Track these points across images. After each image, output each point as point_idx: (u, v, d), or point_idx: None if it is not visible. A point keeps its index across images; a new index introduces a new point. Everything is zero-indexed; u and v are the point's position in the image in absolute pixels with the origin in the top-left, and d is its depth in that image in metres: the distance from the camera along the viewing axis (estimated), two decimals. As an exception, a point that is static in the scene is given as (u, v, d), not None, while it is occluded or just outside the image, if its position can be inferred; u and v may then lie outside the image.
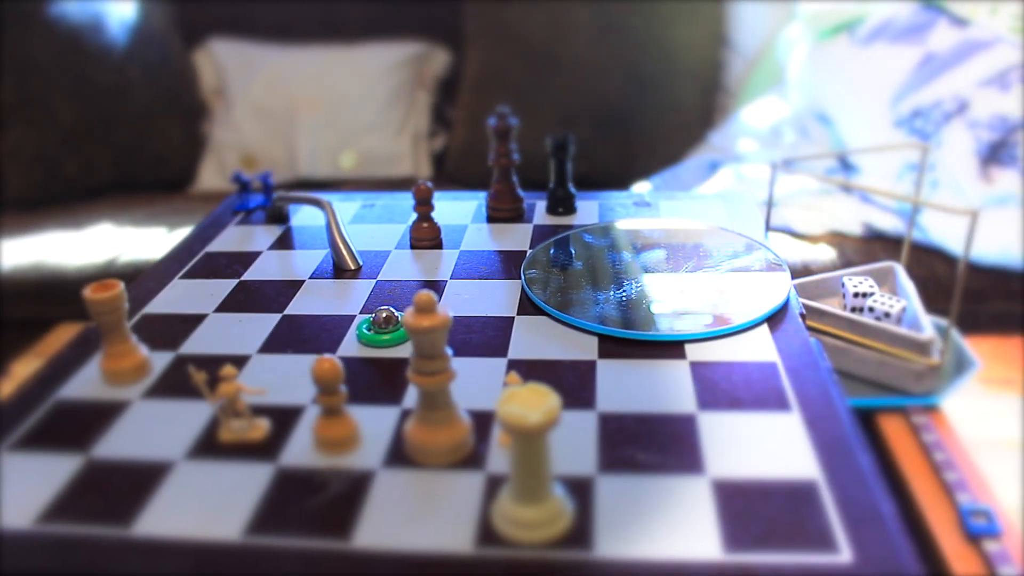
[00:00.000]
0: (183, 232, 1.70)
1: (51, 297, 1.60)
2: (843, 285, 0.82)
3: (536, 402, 0.40)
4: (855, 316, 0.78)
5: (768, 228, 0.78)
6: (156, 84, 2.07)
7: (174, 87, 2.11)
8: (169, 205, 1.97)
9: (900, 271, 0.86)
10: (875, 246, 1.52)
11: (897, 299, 0.78)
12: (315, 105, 2.10)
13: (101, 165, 2.02)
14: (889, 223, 1.55)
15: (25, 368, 1.21)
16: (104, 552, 0.44)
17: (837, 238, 1.58)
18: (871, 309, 0.78)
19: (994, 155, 1.46)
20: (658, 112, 2.00)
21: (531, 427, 0.39)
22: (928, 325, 0.77)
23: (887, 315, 0.77)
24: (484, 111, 2.00)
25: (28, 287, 1.62)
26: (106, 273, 1.60)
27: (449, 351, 0.47)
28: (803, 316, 0.63)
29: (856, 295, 0.81)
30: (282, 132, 2.10)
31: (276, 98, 2.10)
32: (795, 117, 1.80)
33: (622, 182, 1.95)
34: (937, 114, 1.52)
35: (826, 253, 1.52)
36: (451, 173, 2.05)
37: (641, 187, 1.75)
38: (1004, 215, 1.45)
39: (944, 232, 1.48)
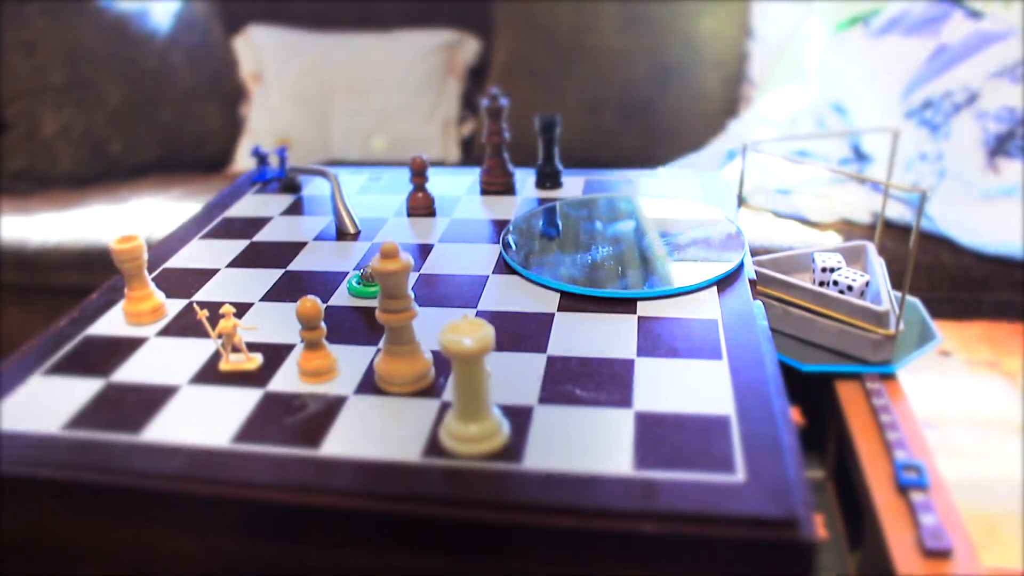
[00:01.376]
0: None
1: (94, 267, 1.71)
2: (813, 260, 0.88)
3: (472, 331, 0.47)
4: (819, 288, 0.83)
5: (740, 203, 0.84)
6: (198, 68, 2.17)
7: (215, 71, 2.20)
8: (206, 185, 2.06)
9: (871, 249, 0.91)
10: (883, 233, 1.56)
11: (861, 274, 0.84)
12: (349, 90, 2.19)
13: (145, 145, 2.13)
14: (898, 212, 1.59)
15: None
16: (116, 452, 0.52)
17: (846, 226, 1.62)
18: (835, 283, 0.84)
19: (1001, 146, 1.50)
20: (682, 101, 2.05)
21: (465, 351, 0.46)
22: (888, 299, 0.82)
23: (850, 288, 0.83)
24: (512, 98, 2.07)
25: (74, 257, 1.73)
26: (148, 244, 1.69)
27: (411, 294, 0.54)
28: (753, 283, 0.69)
29: (824, 270, 0.86)
30: (316, 116, 2.18)
31: (312, 83, 2.19)
32: (812, 107, 1.84)
33: (643, 169, 2.01)
34: (947, 105, 1.55)
35: (834, 240, 1.56)
36: (478, 157, 2.13)
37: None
38: (1007, 206, 1.49)
39: (951, 222, 1.52)
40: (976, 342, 1.21)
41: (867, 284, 0.84)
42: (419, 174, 0.83)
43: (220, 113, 2.21)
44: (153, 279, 0.74)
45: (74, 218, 1.83)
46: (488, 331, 0.47)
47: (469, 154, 2.24)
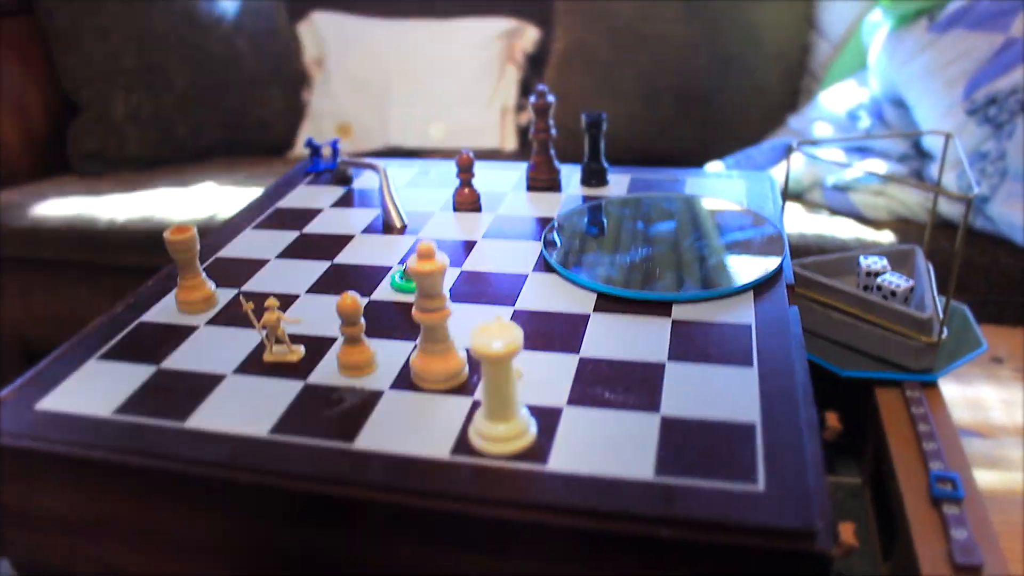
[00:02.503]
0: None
1: (158, 247, 1.76)
2: (859, 263, 0.87)
3: (502, 334, 0.48)
4: (862, 293, 0.83)
5: (783, 206, 0.84)
6: (262, 54, 2.21)
7: (278, 57, 2.24)
8: (269, 168, 2.11)
9: (919, 254, 0.90)
10: (939, 233, 1.53)
11: (906, 279, 0.83)
12: (408, 78, 2.21)
13: (210, 129, 2.18)
14: (956, 211, 1.55)
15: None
16: (162, 438, 0.55)
17: (902, 224, 1.59)
18: (879, 288, 0.83)
19: (1066, 147, 1.45)
20: (741, 93, 2.03)
21: (494, 354, 0.47)
22: (933, 305, 0.81)
23: (893, 294, 0.82)
24: (571, 86, 2.07)
25: (139, 237, 1.79)
26: (206, 229, 1.74)
27: (445, 293, 0.56)
28: (791, 287, 0.69)
29: (868, 274, 0.86)
30: (376, 102, 2.21)
31: (372, 69, 2.22)
32: (872, 102, 1.81)
33: (701, 161, 1.99)
34: (1012, 103, 1.51)
35: (888, 239, 1.54)
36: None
37: (713, 167, 1.79)
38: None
39: (1011, 222, 1.48)
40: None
41: (912, 289, 0.83)
42: (465, 170, 0.84)
43: (283, 98, 2.25)
44: (206, 268, 0.77)
45: (140, 200, 1.89)
46: (517, 334, 0.48)
47: (526, 142, 2.24)
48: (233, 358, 0.63)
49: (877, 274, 0.85)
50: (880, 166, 1.66)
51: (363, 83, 2.22)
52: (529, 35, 2.26)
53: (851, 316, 0.83)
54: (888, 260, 0.88)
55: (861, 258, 0.87)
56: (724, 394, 0.56)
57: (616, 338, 0.62)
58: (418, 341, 0.58)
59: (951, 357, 0.85)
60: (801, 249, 1.52)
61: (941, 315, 0.80)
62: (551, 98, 0.87)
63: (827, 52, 2.02)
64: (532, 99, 0.87)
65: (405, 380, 0.59)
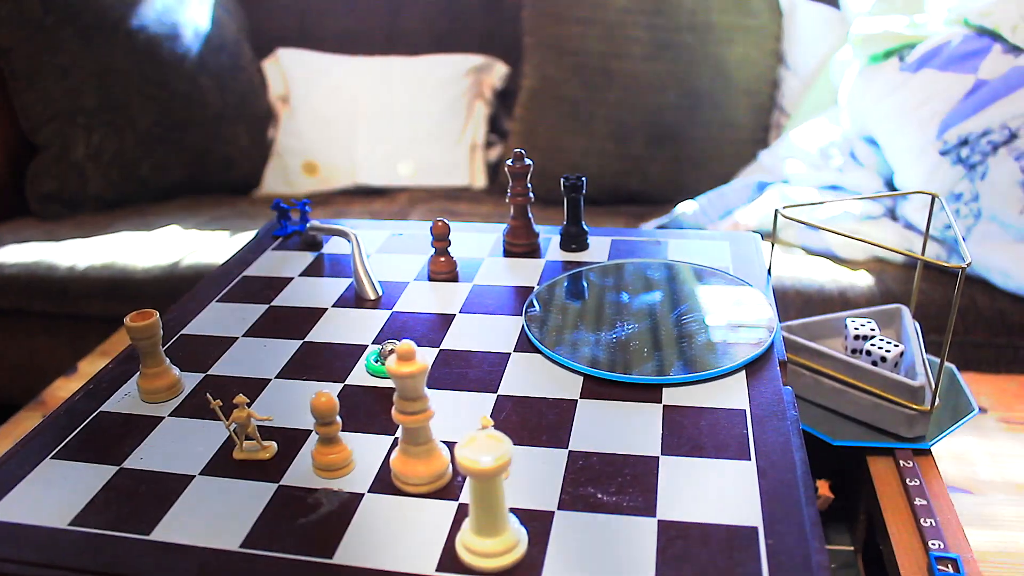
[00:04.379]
0: (243, 237, 1.79)
1: (120, 296, 1.71)
2: (846, 326, 0.85)
3: (490, 448, 0.45)
4: (851, 359, 0.81)
5: (770, 272, 0.82)
6: (226, 91, 2.18)
7: (243, 94, 2.21)
8: (234, 208, 2.07)
9: (906, 314, 0.88)
10: (915, 274, 1.53)
11: (895, 344, 0.81)
12: (376, 114, 2.18)
13: (173, 167, 2.14)
14: (932, 251, 1.55)
15: (92, 366, 1.30)
16: (124, 553, 0.51)
17: (879, 264, 1.59)
18: (868, 352, 0.81)
19: (1039, 188, 1.46)
20: (712, 128, 2.03)
21: (482, 470, 0.44)
22: (923, 371, 0.79)
23: (883, 359, 0.80)
24: (540, 123, 2.06)
25: (101, 285, 1.73)
26: (170, 275, 1.70)
27: (427, 394, 0.52)
28: (783, 364, 0.67)
29: (856, 337, 0.84)
30: (343, 139, 2.18)
31: (338, 106, 2.19)
32: (844, 140, 1.81)
33: (672, 198, 1.98)
34: (984, 144, 1.51)
35: (865, 280, 1.53)
36: (503, 183, 2.11)
37: (686, 206, 1.78)
38: (1046, 249, 1.45)
39: (988, 263, 1.48)
40: (1014, 399, 1.18)
41: (901, 354, 0.81)
42: (441, 238, 0.81)
43: (248, 135, 2.22)
44: (170, 347, 0.73)
45: (101, 245, 1.84)
46: (506, 448, 0.45)
47: (495, 179, 2.22)
48: (201, 455, 0.59)
49: (866, 338, 0.83)
50: (855, 206, 1.66)
51: (330, 120, 2.19)
52: (498, 71, 2.25)
53: (841, 383, 0.81)
54: (875, 321, 0.87)
55: (848, 321, 0.85)
56: (722, 493, 0.53)
57: (605, 427, 0.60)
58: (398, 440, 0.55)
59: (942, 421, 0.83)
60: (778, 292, 1.50)
61: (933, 382, 0.78)
62: (529, 161, 0.84)
63: (796, 88, 2.02)
64: (509, 163, 0.84)
65: (385, 481, 0.56)
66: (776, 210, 0.81)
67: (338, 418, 0.55)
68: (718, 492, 0.53)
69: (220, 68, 2.18)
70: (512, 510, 0.51)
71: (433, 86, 2.18)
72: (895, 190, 1.73)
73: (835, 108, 1.90)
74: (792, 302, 1.51)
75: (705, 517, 0.51)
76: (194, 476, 0.57)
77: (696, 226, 1.76)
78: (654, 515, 0.51)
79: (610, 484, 0.54)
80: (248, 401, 0.58)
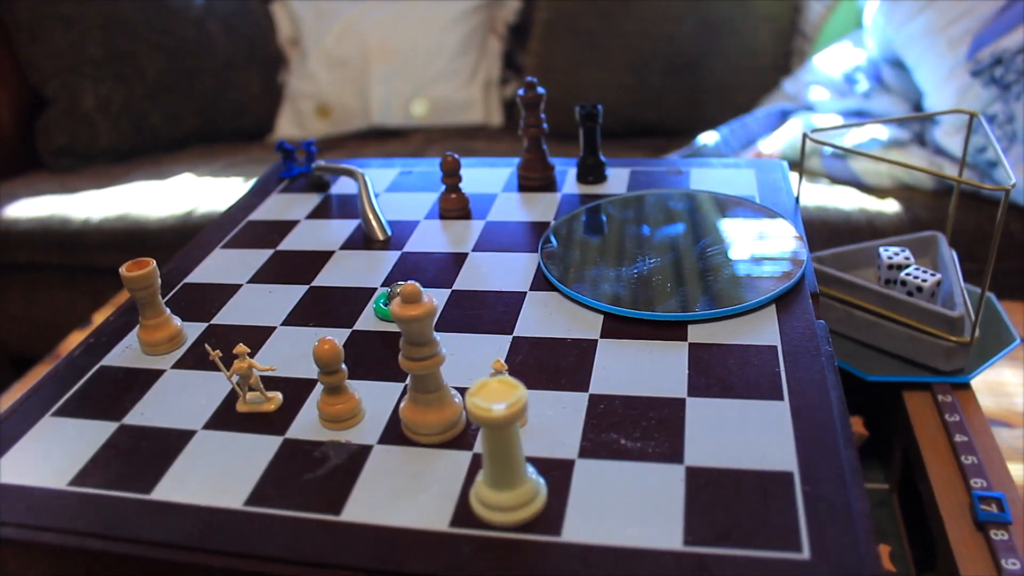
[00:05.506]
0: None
1: (135, 247, 1.69)
2: (879, 256, 0.81)
3: (504, 394, 0.42)
4: (885, 290, 0.77)
5: (798, 200, 0.77)
6: (235, 36, 2.13)
7: (252, 39, 2.16)
8: (248, 155, 2.03)
9: (943, 241, 0.84)
10: (945, 201, 1.47)
11: (932, 273, 0.77)
12: (387, 54, 2.13)
13: (184, 116, 2.10)
14: (964, 176, 1.49)
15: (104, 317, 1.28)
16: (124, 513, 0.48)
17: (907, 192, 1.53)
18: (903, 283, 0.77)
19: (1079, 106, 1.39)
20: (731, 57, 1.96)
21: (495, 419, 0.41)
22: (962, 301, 0.75)
23: (919, 289, 0.76)
24: (555, 57, 1.99)
25: (114, 237, 1.71)
26: (184, 224, 1.67)
27: (436, 338, 0.49)
28: (815, 297, 0.63)
29: (890, 267, 0.80)
30: (355, 81, 2.13)
31: (349, 48, 2.13)
32: (869, 64, 1.73)
33: (692, 130, 1.92)
34: (1020, 62, 1.44)
35: (894, 208, 1.48)
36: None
37: (707, 136, 1.72)
38: (1087, 170, 1.38)
39: (1022, 188, 1.42)
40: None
41: (939, 283, 0.77)
42: (451, 174, 0.78)
43: (259, 81, 2.17)
44: (174, 296, 0.71)
45: (116, 195, 1.81)
46: (521, 394, 0.42)
47: (511, 116, 2.17)
48: (203, 409, 0.56)
49: (900, 267, 0.79)
50: (881, 131, 1.59)
51: (341, 62, 2.14)
52: (510, 5, 2.18)
53: (874, 315, 0.77)
54: (909, 249, 0.82)
55: (881, 250, 0.81)
56: (754, 436, 0.50)
57: (628, 368, 0.56)
58: (407, 388, 0.52)
59: (982, 353, 0.79)
60: (804, 222, 1.45)
61: (973, 312, 0.74)
62: (541, 90, 0.79)
63: (819, 12, 1.94)
64: (521, 92, 0.80)
65: (395, 431, 0.53)
66: (804, 134, 0.76)
67: (343, 366, 0.52)
68: (749, 435, 0.50)
69: (227, 13, 2.13)
70: (529, 459, 0.48)
71: (445, 23, 2.11)
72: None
73: (860, 31, 1.82)
74: (818, 232, 1.45)
75: (736, 462, 0.48)
76: (196, 431, 0.54)
77: (718, 156, 1.70)
78: (681, 461, 0.48)
79: (634, 429, 0.51)
80: (249, 351, 0.55)
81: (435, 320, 0.48)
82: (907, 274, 0.77)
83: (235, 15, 2.14)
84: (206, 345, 0.58)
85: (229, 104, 2.14)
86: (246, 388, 0.56)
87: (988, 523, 0.61)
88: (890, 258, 0.80)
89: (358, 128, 2.15)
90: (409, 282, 0.47)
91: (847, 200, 1.51)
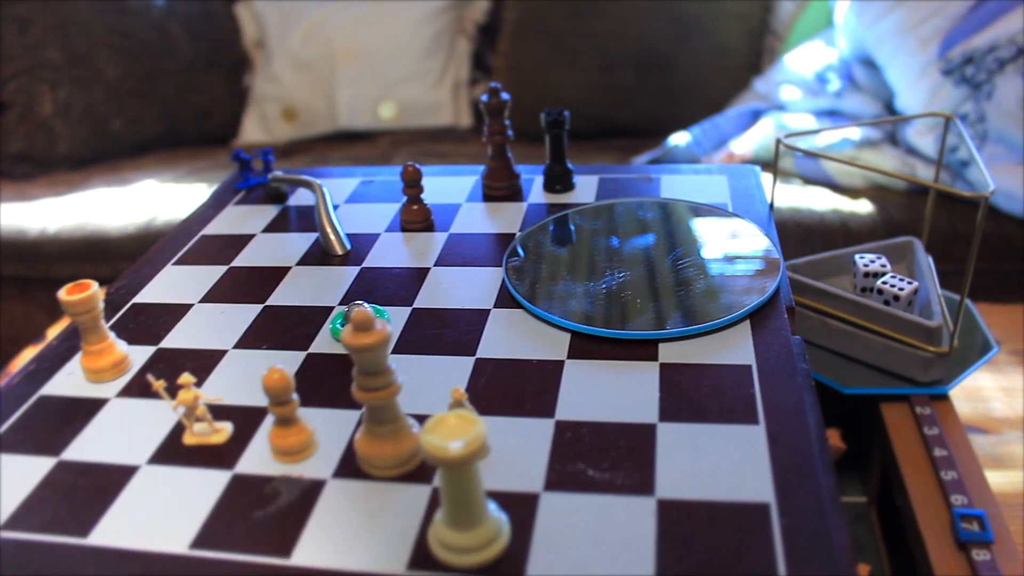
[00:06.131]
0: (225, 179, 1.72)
1: (94, 257, 1.64)
2: (855, 263, 0.79)
3: (461, 430, 0.39)
4: (862, 299, 0.75)
5: (772, 207, 0.75)
6: (198, 38, 2.08)
7: (216, 41, 2.11)
8: (213, 160, 1.99)
9: (919, 247, 0.82)
10: (919, 201, 1.46)
11: (909, 281, 0.75)
12: (354, 56, 2.09)
13: (147, 120, 2.05)
14: (932, 173, 1.48)
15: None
16: (60, 560, 0.45)
17: (880, 192, 1.52)
18: (879, 291, 0.75)
19: (1050, 105, 1.38)
20: (702, 56, 1.94)
21: (452, 459, 0.38)
22: (940, 310, 0.73)
23: (896, 299, 0.74)
24: (525, 57, 1.97)
25: (72, 247, 1.66)
26: (145, 233, 1.63)
27: (391, 367, 0.46)
28: (791, 311, 0.61)
29: (866, 275, 0.78)
30: (322, 84, 2.09)
31: (315, 49, 2.09)
32: (841, 63, 1.72)
33: (663, 130, 1.90)
34: (991, 61, 1.43)
35: (867, 208, 1.46)
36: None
37: (679, 137, 1.70)
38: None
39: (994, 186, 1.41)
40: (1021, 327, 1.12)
41: (916, 292, 0.75)
42: (412, 184, 0.75)
43: (223, 84, 2.13)
44: (121, 316, 0.67)
45: (75, 203, 1.76)
46: (479, 431, 0.39)
47: (482, 118, 2.14)
48: (149, 441, 0.53)
49: (877, 275, 0.77)
50: (853, 131, 1.58)
51: (307, 64, 2.10)
52: (479, 6, 2.15)
53: (850, 325, 0.75)
54: (885, 256, 0.80)
55: (857, 257, 0.79)
56: (728, 464, 0.47)
57: (596, 392, 0.54)
58: (363, 420, 0.49)
59: (959, 361, 0.77)
60: (776, 224, 1.44)
61: (951, 321, 0.72)
62: (506, 96, 0.77)
63: (790, 11, 1.93)
64: (484, 99, 0.77)
65: (351, 463, 0.50)
66: (777, 140, 0.74)
67: (295, 396, 0.49)
68: (723, 463, 0.47)
69: (189, 14, 2.08)
70: (491, 494, 0.46)
71: (413, 23, 2.08)
72: (895, 114, 1.65)
73: (831, 29, 1.81)
74: (792, 234, 1.44)
75: (710, 493, 0.45)
76: (140, 466, 0.51)
77: (690, 158, 1.69)
78: (652, 493, 0.46)
79: (603, 459, 0.48)
80: (195, 381, 0.52)
81: (390, 347, 0.45)
82: (884, 282, 0.75)
83: (197, 17, 2.09)
84: (148, 376, 0.55)
85: (192, 108, 2.10)
86: (193, 419, 0.52)
87: (970, 543, 0.59)
88: (866, 265, 0.78)
89: (325, 131, 2.11)
90: (359, 308, 0.44)
91: (820, 201, 1.50)
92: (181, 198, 1.72)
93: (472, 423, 0.40)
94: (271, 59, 2.12)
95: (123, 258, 1.61)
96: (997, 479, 0.88)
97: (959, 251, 1.40)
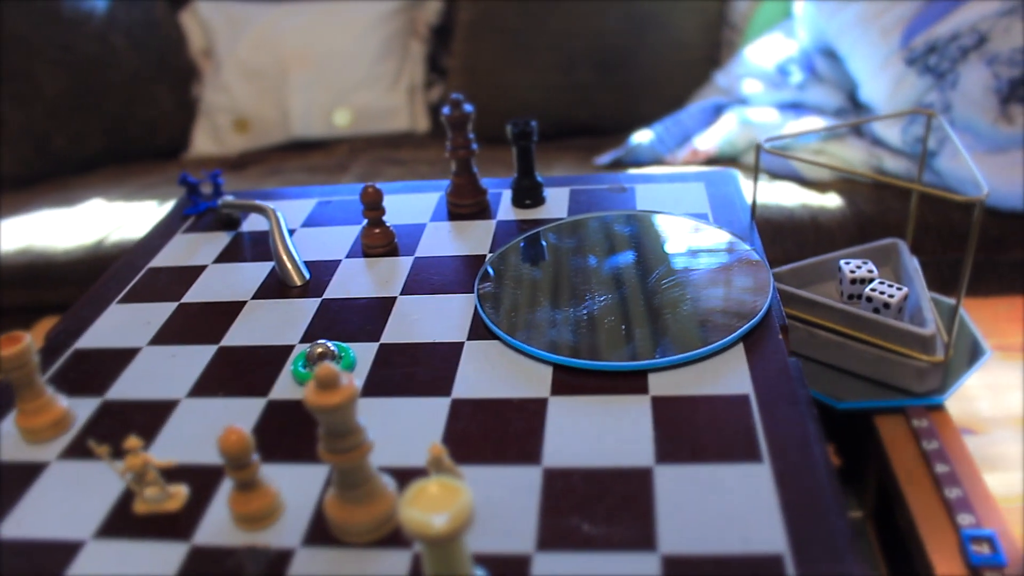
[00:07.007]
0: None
1: (40, 283, 1.57)
2: (840, 269, 0.76)
3: (444, 501, 0.35)
4: (850, 308, 0.72)
5: (754, 214, 0.71)
6: (142, 48, 2.01)
7: (161, 50, 2.04)
8: (163, 174, 1.92)
9: (904, 249, 0.79)
10: (886, 193, 1.44)
11: (898, 287, 0.72)
12: (305, 62, 2.03)
13: (91, 136, 1.98)
14: (902, 166, 1.46)
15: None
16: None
17: (847, 185, 1.50)
18: (868, 299, 0.72)
19: (1014, 93, 1.37)
20: (660, 51, 1.91)
21: (436, 535, 0.34)
22: (932, 316, 0.70)
23: (887, 306, 0.71)
24: (480, 58, 1.92)
25: (17, 273, 1.59)
26: (94, 256, 1.56)
27: (360, 425, 0.42)
28: (784, 329, 0.57)
29: (853, 281, 0.75)
30: (273, 92, 2.03)
31: (265, 57, 2.03)
32: (802, 54, 1.70)
33: (625, 128, 1.87)
34: (954, 49, 1.42)
35: (835, 202, 1.44)
36: (448, 127, 1.98)
37: (642, 135, 1.67)
38: (1020, 157, 1.36)
39: (962, 175, 1.40)
40: (1005, 322, 1.10)
41: (905, 298, 0.72)
42: (373, 207, 0.70)
43: (171, 95, 2.06)
44: (62, 365, 0.62)
45: (18, 226, 1.69)
46: (465, 500, 0.35)
47: (439, 121, 2.09)
48: (95, 511, 0.48)
49: (863, 281, 0.74)
50: (818, 123, 1.56)
51: (257, 72, 2.03)
52: (431, 6, 2.10)
53: (840, 335, 0.72)
54: (870, 260, 0.77)
55: (842, 263, 0.76)
56: (734, 509, 0.43)
57: (585, 433, 0.49)
58: (332, 483, 0.44)
59: (952, 368, 0.74)
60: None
61: (944, 327, 0.69)
62: (469, 107, 0.72)
63: (747, 3, 1.90)
64: (446, 111, 0.72)
65: (321, 527, 0.45)
66: (758, 145, 0.70)
67: (254, 457, 0.44)
68: (729, 509, 0.43)
69: (132, 24, 2.01)
70: (478, 558, 0.41)
71: (364, 27, 2.02)
72: (858, 105, 1.64)
73: (790, 21, 1.79)
74: (761, 232, 1.41)
75: (717, 546, 0.41)
76: (85, 542, 0.46)
77: (654, 156, 1.65)
78: (655, 549, 0.42)
79: (597, 510, 0.44)
80: (142, 444, 0.47)
81: (357, 402, 0.40)
82: (872, 289, 0.72)
83: (140, 26, 2.02)
84: (90, 442, 0.49)
85: (139, 121, 2.02)
86: (143, 485, 0.47)
87: (981, 567, 0.56)
88: (852, 271, 0.75)
89: (278, 141, 2.05)
90: (323, 364, 0.39)
91: (788, 196, 1.48)
92: (131, 216, 1.65)
93: (456, 492, 0.35)
94: (220, 68, 2.05)
95: (71, 283, 1.54)
96: (992, 482, 0.86)
97: (933, 242, 1.39)
